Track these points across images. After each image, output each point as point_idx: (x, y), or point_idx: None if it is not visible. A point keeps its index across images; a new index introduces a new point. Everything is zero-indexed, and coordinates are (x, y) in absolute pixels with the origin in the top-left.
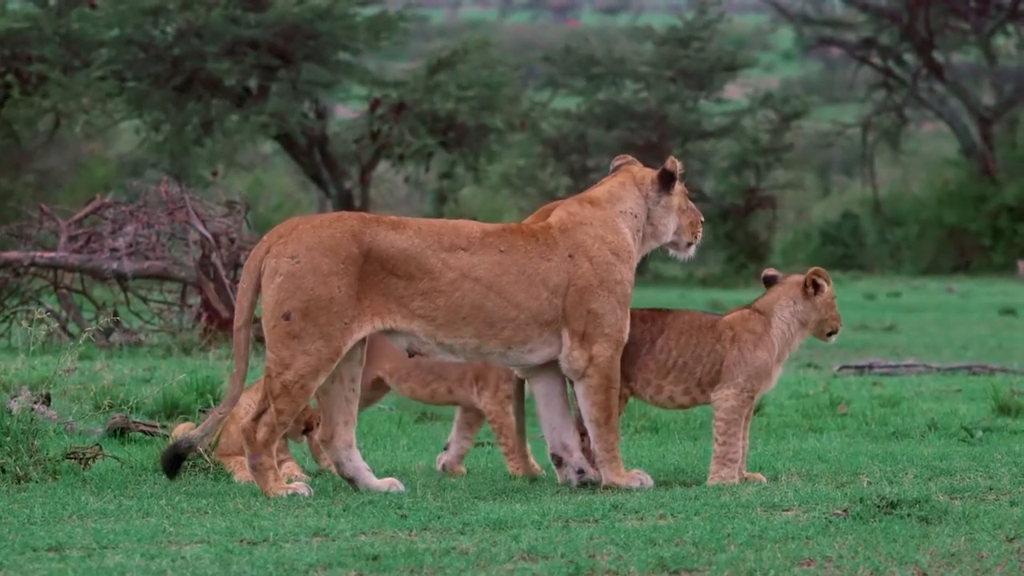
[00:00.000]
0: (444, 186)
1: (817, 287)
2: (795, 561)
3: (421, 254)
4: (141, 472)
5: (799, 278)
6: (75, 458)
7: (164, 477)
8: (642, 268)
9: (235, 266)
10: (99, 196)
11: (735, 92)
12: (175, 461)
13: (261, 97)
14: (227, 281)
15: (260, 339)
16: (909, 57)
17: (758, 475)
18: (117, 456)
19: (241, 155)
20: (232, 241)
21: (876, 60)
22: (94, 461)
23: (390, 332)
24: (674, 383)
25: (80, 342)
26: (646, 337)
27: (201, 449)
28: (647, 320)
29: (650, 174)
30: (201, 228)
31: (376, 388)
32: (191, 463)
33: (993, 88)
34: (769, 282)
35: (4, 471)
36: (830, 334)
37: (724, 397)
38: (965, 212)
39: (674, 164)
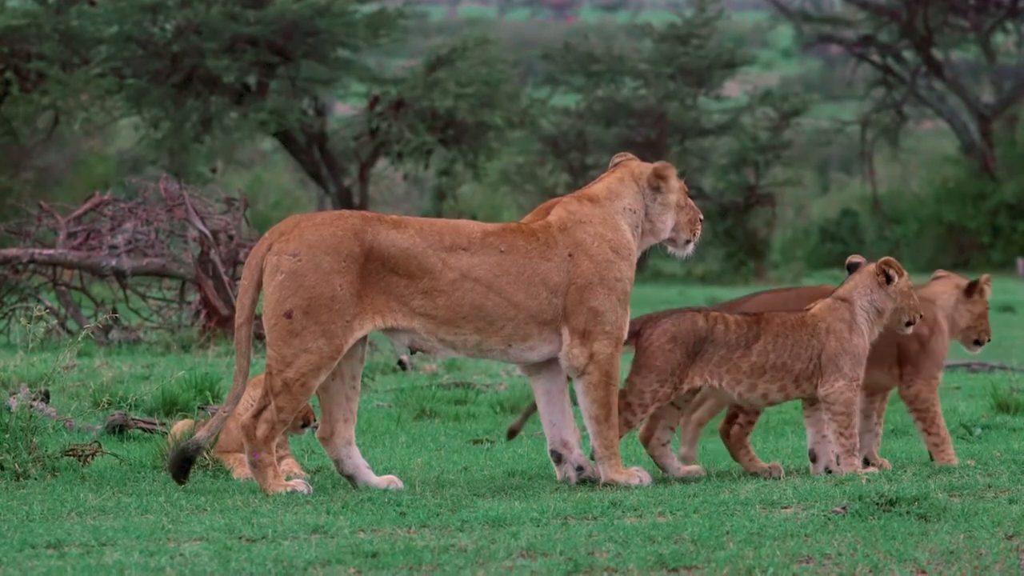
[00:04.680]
0: (443, 183)
1: (888, 277)
2: (794, 559)
3: (422, 253)
4: (140, 469)
5: (873, 266)
6: (74, 455)
7: (164, 475)
8: (641, 265)
9: (234, 263)
10: (98, 193)
11: (734, 89)
12: (183, 465)
13: (260, 94)
14: (226, 278)
15: (260, 336)
16: (908, 54)
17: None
18: (116, 453)
19: (240, 152)
20: (231, 238)
21: (875, 57)
22: (93, 458)
23: (391, 330)
24: (770, 381)
25: (79, 339)
26: (740, 342)
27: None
28: (741, 326)
29: (648, 170)
30: (200, 225)
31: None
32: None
33: (992, 85)
34: (853, 268)
35: (3, 468)
36: (908, 324)
37: (838, 390)
38: (964, 210)
39: (666, 168)
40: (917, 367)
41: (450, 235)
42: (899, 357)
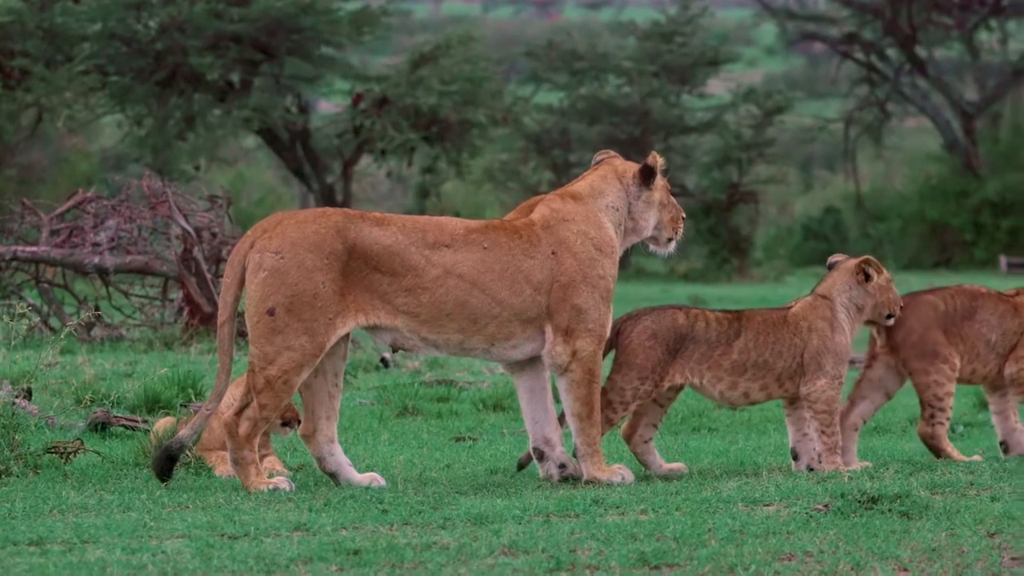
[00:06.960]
0: (426, 181)
1: (868, 276)
2: (776, 556)
3: (405, 251)
4: (122, 467)
5: (852, 264)
6: (56, 452)
7: (146, 472)
8: (624, 263)
9: (217, 261)
10: (81, 190)
11: (718, 87)
12: (167, 464)
13: (244, 92)
14: (209, 276)
15: (243, 334)
16: (892, 52)
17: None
18: (98, 451)
19: (223, 150)
20: (214, 236)
21: (859, 55)
22: (75, 455)
23: (374, 328)
24: (751, 380)
25: (62, 336)
26: (721, 339)
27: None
28: (722, 323)
29: (632, 168)
30: (183, 223)
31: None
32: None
33: (976, 83)
34: (833, 267)
35: None
36: (889, 316)
37: (820, 389)
38: (947, 207)
39: (655, 159)
40: None
41: (433, 232)
42: (1015, 344)
